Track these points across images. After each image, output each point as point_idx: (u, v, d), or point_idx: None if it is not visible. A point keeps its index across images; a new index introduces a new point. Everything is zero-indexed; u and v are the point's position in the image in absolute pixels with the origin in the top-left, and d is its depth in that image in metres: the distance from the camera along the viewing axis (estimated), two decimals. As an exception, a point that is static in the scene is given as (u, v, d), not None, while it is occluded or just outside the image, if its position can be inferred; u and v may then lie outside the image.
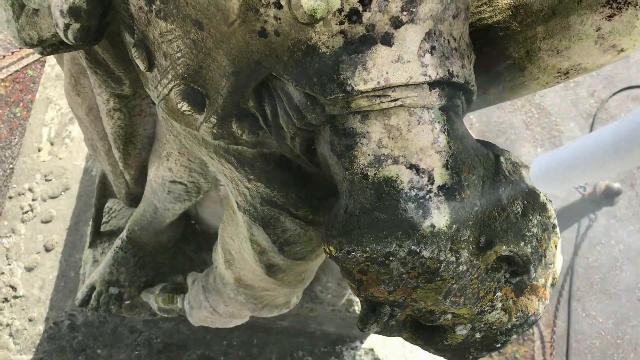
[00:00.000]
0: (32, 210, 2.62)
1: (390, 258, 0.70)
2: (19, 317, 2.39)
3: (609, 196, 2.35)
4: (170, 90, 0.81)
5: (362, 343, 2.37)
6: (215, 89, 0.78)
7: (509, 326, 0.79)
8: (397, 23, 0.67)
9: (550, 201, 0.80)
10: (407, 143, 0.71)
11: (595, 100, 3.51)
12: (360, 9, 0.65)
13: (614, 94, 3.53)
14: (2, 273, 2.47)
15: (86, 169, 2.63)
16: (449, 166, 0.72)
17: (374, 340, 2.37)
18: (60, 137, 2.81)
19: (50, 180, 2.68)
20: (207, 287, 1.49)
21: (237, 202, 1.06)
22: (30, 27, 0.85)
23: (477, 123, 3.38)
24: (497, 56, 0.87)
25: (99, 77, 1.07)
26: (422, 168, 0.71)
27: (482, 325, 0.79)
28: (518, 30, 0.83)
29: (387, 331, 0.83)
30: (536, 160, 0.60)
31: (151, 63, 0.81)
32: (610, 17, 0.72)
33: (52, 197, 2.64)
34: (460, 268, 0.72)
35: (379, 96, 0.69)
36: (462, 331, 0.80)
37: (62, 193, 2.65)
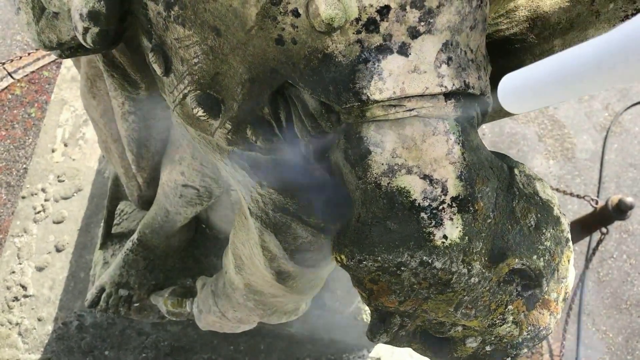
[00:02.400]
0: (44, 211, 2.63)
1: (402, 268, 0.70)
2: (29, 317, 2.40)
3: (621, 210, 2.32)
4: (186, 95, 0.81)
5: (369, 352, 2.36)
6: (231, 96, 0.78)
7: (520, 340, 0.78)
8: (414, 33, 0.67)
9: (564, 215, 0.79)
10: (421, 153, 0.71)
11: (609, 113, 3.49)
12: (378, 18, 0.66)
13: (629, 108, 3.51)
14: (13, 272, 2.49)
15: (99, 171, 2.65)
16: (462, 177, 0.71)
17: (382, 350, 2.36)
18: (74, 138, 2.83)
19: (63, 181, 2.70)
20: (217, 292, 1.49)
21: (249, 208, 1.06)
22: (50, 30, 0.86)
23: (489, 134, 3.36)
24: (513, 68, 0.86)
25: (115, 81, 1.08)
26: (436, 179, 0.71)
27: (493, 338, 0.78)
28: (535, 42, 0.82)
29: (396, 341, 0.82)
30: (507, 76, 0.57)
31: (168, 68, 0.82)
32: (628, 31, 0.72)
33: (65, 198, 2.65)
34: (472, 280, 0.71)
35: (394, 106, 0.69)
36: (472, 344, 0.79)
37: (75, 194, 2.66)
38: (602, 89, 0.45)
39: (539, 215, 0.76)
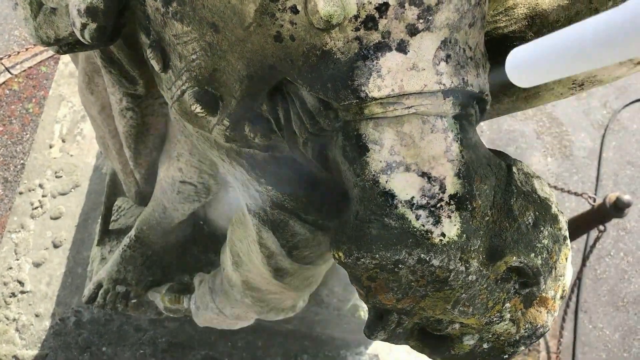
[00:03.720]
0: (41, 207, 2.63)
1: (400, 266, 0.70)
2: (26, 312, 2.40)
3: (619, 208, 2.32)
4: (184, 91, 0.81)
5: (366, 349, 2.36)
6: (229, 92, 0.78)
7: (517, 337, 0.78)
8: (413, 31, 0.67)
9: (562, 213, 0.79)
10: (419, 151, 0.70)
11: (607, 111, 3.50)
12: (377, 15, 0.65)
13: (627, 105, 3.51)
14: (10, 268, 2.49)
15: (96, 167, 2.64)
16: (461, 175, 0.71)
17: (379, 347, 2.37)
18: (72, 134, 2.82)
19: (61, 177, 2.69)
20: (214, 289, 1.49)
21: (247, 205, 1.06)
22: (48, 26, 0.86)
23: (487, 131, 3.36)
24: None
25: (113, 77, 1.07)
26: (434, 176, 0.70)
27: (490, 336, 0.78)
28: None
29: (394, 339, 0.82)
30: (514, 50, 0.59)
31: (166, 64, 0.82)
32: (627, 29, 0.72)
33: (62, 194, 2.65)
34: (470, 278, 0.71)
35: (393, 103, 0.69)
36: (469, 341, 0.79)
37: (72, 190, 2.66)
38: (606, 63, 0.46)
39: (536, 213, 0.76)
